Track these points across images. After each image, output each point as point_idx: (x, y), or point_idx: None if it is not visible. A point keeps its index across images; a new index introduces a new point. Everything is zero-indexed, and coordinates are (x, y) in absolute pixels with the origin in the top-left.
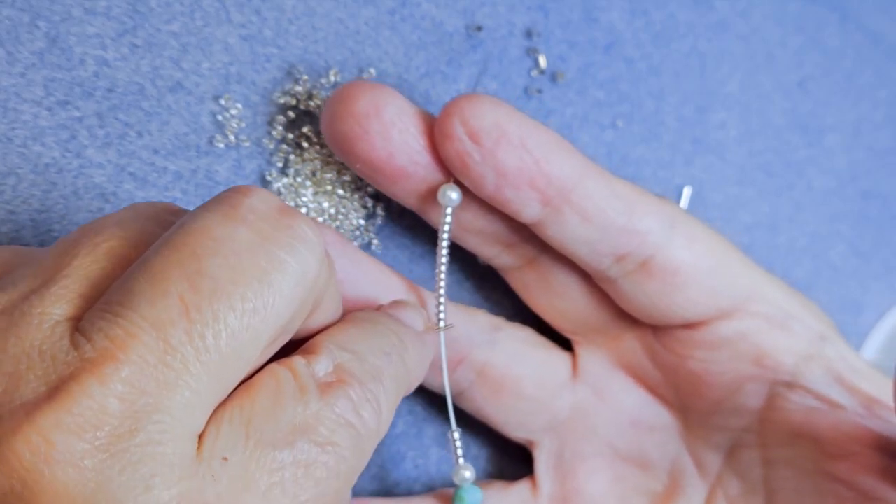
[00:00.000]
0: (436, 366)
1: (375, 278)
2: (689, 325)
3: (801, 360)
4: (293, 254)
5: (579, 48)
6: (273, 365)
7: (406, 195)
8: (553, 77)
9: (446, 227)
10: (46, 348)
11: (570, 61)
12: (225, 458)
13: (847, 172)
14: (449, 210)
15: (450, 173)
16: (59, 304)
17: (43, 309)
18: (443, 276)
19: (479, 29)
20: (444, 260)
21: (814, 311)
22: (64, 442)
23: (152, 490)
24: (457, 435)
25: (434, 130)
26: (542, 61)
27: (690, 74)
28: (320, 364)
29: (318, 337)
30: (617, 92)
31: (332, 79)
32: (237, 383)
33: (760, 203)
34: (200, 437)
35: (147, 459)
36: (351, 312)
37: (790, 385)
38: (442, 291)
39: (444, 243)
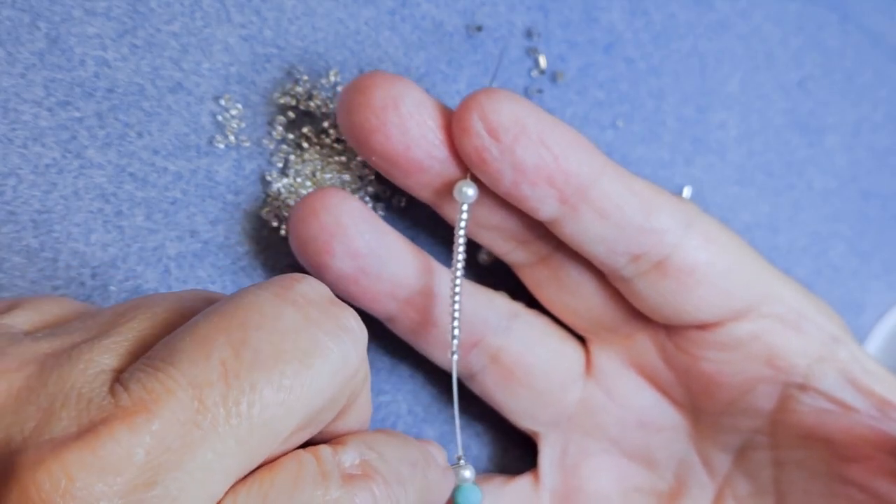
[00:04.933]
0: (447, 349)
1: (399, 256)
2: (703, 326)
3: (814, 361)
4: (337, 342)
5: (579, 48)
6: (298, 450)
7: (421, 189)
8: (553, 77)
9: (462, 224)
10: (85, 391)
11: (570, 61)
12: None
13: (847, 172)
14: (465, 207)
15: (466, 168)
16: (106, 355)
17: (91, 356)
18: (459, 273)
19: (479, 29)
20: (460, 258)
21: (827, 312)
22: (84, 480)
23: None
24: (462, 461)
25: (452, 125)
26: (542, 61)
27: (690, 74)
28: (347, 455)
29: (348, 435)
30: (617, 92)
31: (332, 79)
32: (262, 459)
33: (760, 203)
34: None
35: None
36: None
37: (803, 387)
38: (458, 290)
39: (461, 240)
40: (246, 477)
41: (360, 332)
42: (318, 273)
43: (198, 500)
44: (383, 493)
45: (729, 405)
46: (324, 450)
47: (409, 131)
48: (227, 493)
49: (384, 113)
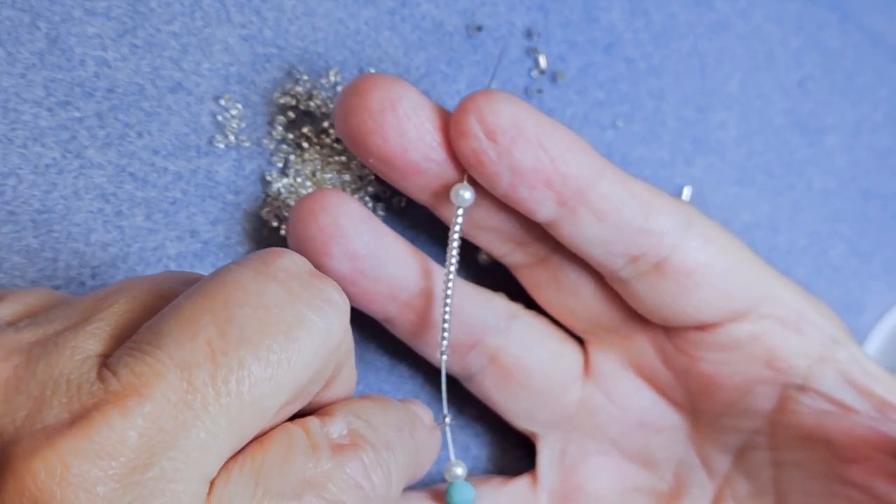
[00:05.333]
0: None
1: (397, 258)
2: (702, 327)
3: (814, 362)
4: (320, 314)
5: (579, 48)
6: (287, 423)
7: (419, 191)
8: (553, 77)
9: (457, 228)
10: (74, 378)
11: (570, 61)
12: None
13: (847, 172)
14: (461, 211)
15: (464, 170)
16: (91, 340)
17: (76, 343)
18: (451, 276)
19: (479, 29)
20: (453, 261)
21: (826, 313)
22: (79, 467)
23: None
24: (448, 431)
25: (449, 127)
26: (542, 61)
27: (690, 74)
28: (335, 426)
29: (334, 404)
30: (617, 92)
31: (332, 79)
32: (253, 435)
33: (760, 203)
34: (212, 482)
35: (158, 494)
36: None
37: (802, 388)
38: (449, 292)
39: (455, 244)
40: (237, 454)
41: (343, 303)
42: None
43: (193, 479)
44: (372, 460)
45: (728, 406)
46: (312, 422)
47: (407, 133)
48: (219, 470)
49: (381, 115)
